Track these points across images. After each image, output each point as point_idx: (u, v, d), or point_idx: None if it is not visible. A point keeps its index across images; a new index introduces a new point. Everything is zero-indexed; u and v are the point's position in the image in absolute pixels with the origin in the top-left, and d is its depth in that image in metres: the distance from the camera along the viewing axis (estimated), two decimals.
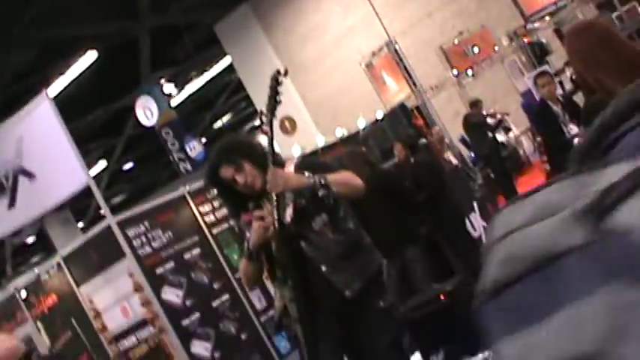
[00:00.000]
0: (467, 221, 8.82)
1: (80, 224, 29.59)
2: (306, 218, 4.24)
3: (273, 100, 4.13)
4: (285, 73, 4.15)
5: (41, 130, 10.37)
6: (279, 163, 4.31)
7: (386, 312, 4.33)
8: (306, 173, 4.16)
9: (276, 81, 4.12)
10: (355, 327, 4.37)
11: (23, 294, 11.61)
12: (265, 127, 4.14)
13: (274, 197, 4.09)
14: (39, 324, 11.54)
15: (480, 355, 6.15)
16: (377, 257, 4.47)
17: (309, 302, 4.21)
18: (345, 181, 4.26)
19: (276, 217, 4.11)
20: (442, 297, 6.48)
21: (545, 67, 16.61)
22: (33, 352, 4.53)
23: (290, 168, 4.35)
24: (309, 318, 4.17)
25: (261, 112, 4.17)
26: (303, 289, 4.19)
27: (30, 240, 27.91)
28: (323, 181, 4.09)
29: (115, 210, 10.60)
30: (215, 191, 4.62)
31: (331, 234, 4.25)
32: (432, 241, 8.32)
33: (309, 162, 4.63)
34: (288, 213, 4.23)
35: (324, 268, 4.21)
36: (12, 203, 10.53)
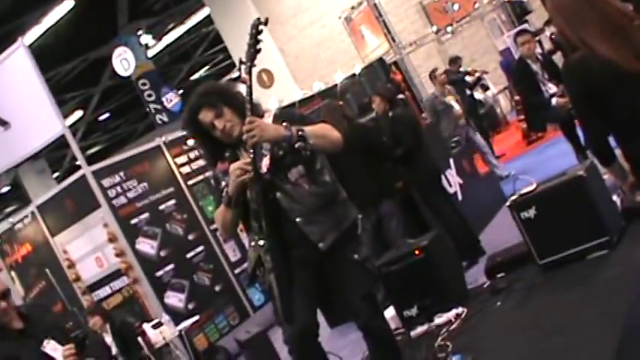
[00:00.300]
0: (443, 177, 8.82)
1: (55, 175, 29.45)
2: (282, 169, 4.22)
3: (253, 49, 4.08)
4: (266, 22, 4.10)
5: (16, 78, 10.26)
6: (258, 113, 4.27)
7: (361, 265, 4.33)
8: (284, 124, 4.13)
9: (256, 29, 4.07)
10: (329, 279, 4.38)
11: None
12: (244, 76, 4.09)
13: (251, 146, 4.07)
14: (13, 273, 11.54)
15: (453, 311, 6.20)
16: (352, 211, 4.44)
17: (283, 253, 4.21)
18: (323, 134, 4.23)
19: (252, 164, 4.08)
20: (417, 252, 6.49)
21: (525, 26, 16.59)
22: (8, 292, 4.50)
23: (269, 119, 4.31)
24: (283, 269, 4.17)
25: (241, 61, 4.13)
26: (277, 239, 4.19)
27: (4, 190, 27.73)
28: (301, 133, 4.06)
29: (90, 161, 10.56)
30: (191, 138, 4.55)
31: (307, 185, 4.22)
32: (408, 197, 8.34)
33: (288, 113, 4.58)
34: (265, 163, 4.21)
35: (298, 220, 4.20)
36: None
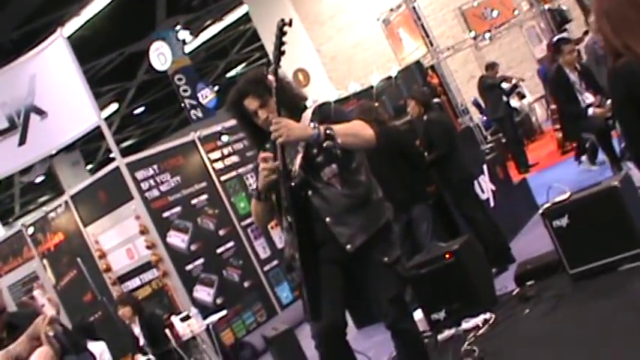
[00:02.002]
0: (475, 183, 8.77)
1: (89, 167, 29.68)
2: (315, 168, 4.22)
3: (278, 50, 4.10)
4: (290, 23, 4.11)
5: (54, 69, 10.38)
6: (301, 108, 4.31)
7: (390, 267, 4.30)
8: (312, 124, 4.13)
9: (281, 30, 4.09)
10: (358, 279, 4.38)
11: (30, 231, 11.69)
12: (270, 78, 4.12)
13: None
14: (45, 261, 11.66)
15: (481, 316, 6.19)
16: (386, 212, 4.40)
17: (312, 252, 4.25)
18: (353, 132, 4.20)
19: (280, 163, 4.11)
20: (447, 256, 6.48)
21: (565, 35, 16.45)
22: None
23: (308, 114, 4.33)
24: (310, 266, 4.20)
25: (268, 62, 4.17)
26: (306, 238, 4.22)
27: (39, 179, 28.01)
28: (329, 132, 4.05)
29: (124, 154, 10.65)
30: (234, 119, 4.57)
31: (339, 185, 4.22)
32: (440, 201, 8.33)
33: (328, 109, 4.55)
34: (298, 160, 4.23)
35: (328, 220, 4.20)
36: (22, 140, 10.60)
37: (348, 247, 4.21)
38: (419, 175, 7.79)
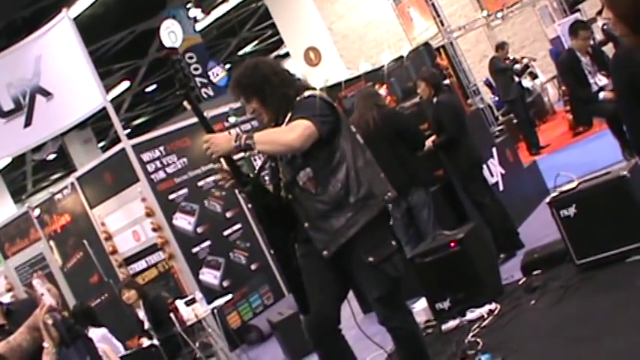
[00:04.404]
0: (484, 167, 8.66)
1: (101, 144, 29.67)
2: (292, 171, 4.24)
3: (180, 80, 4.22)
4: (176, 53, 4.29)
5: (60, 50, 10.30)
6: (287, 107, 4.29)
7: (375, 267, 4.21)
8: (236, 135, 4.17)
9: (173, 65, 4.25)
10: (349, 275, 4.36)
11: (36, 212, 11.66)
12: (186, 105, 4.28)
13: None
14: (51, 242, 11.64)
15: (486, 306, 6.10)
16: (368, 212, 4.28)
17: (289, 249, 4.37)
18: (272, 139, 4.18)
19: (231, 172, 4.26)
20: (452, 244, 6.39)
21: (577, 16, 16.27)
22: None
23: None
24: (288, 265, 4.33)
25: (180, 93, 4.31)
26: (280, 239, 4.36)
27: (50, 157, 27.98)
28: (248, 142, 4.08)
29: (136, 132, 10.61)
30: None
31: (314, 190, 4.19)
32: (448, 186, 8.24)
33: (302, 104, 4.49)
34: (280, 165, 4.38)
35: (306, 225, 4.22)
36: (28, 122, 10.54)
37: (325, 253, 4.21)
38: (417, 160, 7.69)
